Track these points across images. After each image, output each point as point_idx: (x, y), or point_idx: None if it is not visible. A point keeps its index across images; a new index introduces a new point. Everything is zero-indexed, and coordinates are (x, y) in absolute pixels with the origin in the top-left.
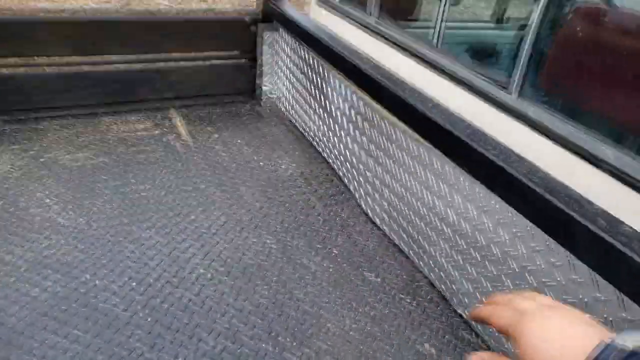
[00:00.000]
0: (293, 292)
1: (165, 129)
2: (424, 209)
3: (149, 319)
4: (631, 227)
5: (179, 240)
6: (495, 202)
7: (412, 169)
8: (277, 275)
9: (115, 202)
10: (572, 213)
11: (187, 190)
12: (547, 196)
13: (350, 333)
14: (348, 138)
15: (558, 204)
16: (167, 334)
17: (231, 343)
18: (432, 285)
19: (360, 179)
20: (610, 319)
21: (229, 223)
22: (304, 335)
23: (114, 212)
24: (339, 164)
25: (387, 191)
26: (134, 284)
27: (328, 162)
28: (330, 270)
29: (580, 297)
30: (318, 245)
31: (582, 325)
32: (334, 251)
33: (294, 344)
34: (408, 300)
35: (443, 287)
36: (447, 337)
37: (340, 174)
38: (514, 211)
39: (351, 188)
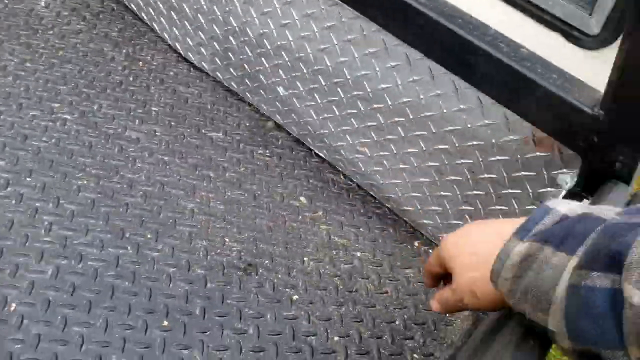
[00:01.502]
0: (120, 172)
1: None
2: (257, 36)
3: None
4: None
5: None
6: (341, 16)
7: None
8: (89, 155)
9: None
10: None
11: None
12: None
13: (212, 205)
14: None
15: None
16: None
17: (63, 260)
18: (281, 128)
19: (172, 13)
20: (468, 125)
21: None
22: (158, 222)
23: None
24: None
25: (214, 26)
26: None
27: None
28: (159, 135)
29: (444, 111)
30: (132, 106)
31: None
32: (155, 110)
33: (150, 236)
34: (261, 152)
35: (294, 128)
36: (312, 181)
37: (134, 7)
38: (369, 27)
39: (157, 27)
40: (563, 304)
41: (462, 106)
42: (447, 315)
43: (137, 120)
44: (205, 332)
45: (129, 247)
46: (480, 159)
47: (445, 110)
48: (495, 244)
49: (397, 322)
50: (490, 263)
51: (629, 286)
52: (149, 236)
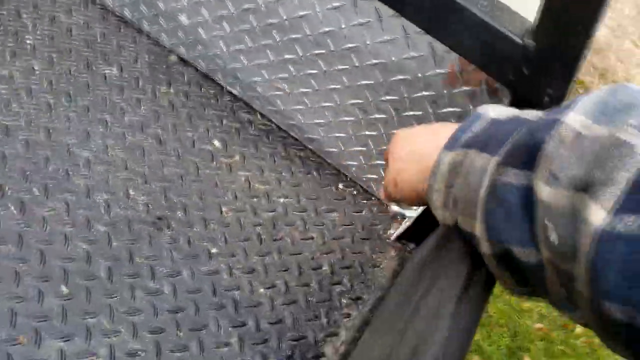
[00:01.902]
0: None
1: None
2: None
3: None
4: None
5: None
6: None
7: None
8: None
9: None
10: None
11: None
12: None
13: (110, 153)
14: None
15: None
16: None
17: None
18: (187, 63)
19: None
20: (393, 58)
21: None
22: (47, 175)
23: None
24: None
25: None
26: None
27: None
28: (39, 71)
29: (368, 42)
30: (10, 44)
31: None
32: (31, 42)
33: (37, 192)
34: (164, 90)
35: (202, 62)
36: (225, 122)
37: None
38: None
39: None
40: (483, 203)
41: (386, 37)
42: (374, 257)
43: (7, 54)
44: (113, 296)
45: (11, 206)
46: (406, 95)
47: (368, 42)
48: (432, 148)
49: (324, 268)
50: (420, 162)
51: (539, 182)
52: (36, 192)
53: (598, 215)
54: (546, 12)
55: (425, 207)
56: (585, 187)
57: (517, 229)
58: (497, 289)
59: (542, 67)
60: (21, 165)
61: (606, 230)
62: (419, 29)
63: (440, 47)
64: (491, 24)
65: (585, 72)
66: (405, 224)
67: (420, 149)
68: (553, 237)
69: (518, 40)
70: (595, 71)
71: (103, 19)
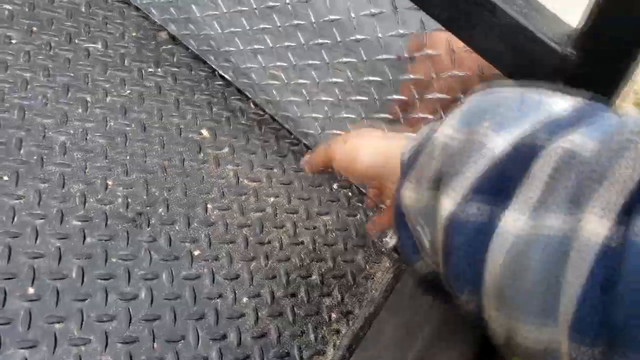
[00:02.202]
0: None
1: None
2: None
3: None
4: None
5: None
6: None
7: None
8: None
9: None
10: None
11: None
12: None
13: (89, 138)
14: None
15: None
16: None
17: None
18: (177, 42)
19: None
20: (407, 55)
21: None
22: (18, 160)
23: None
24: None
25: None
26: None
27: None
28: (16, 42)
29: (379, 35)
30: None
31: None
32: (9, 9)
33: (6, 178)
34: (151, 70)
35: (193, 42)
36: (215, 110)
37: None
38: None
39: None
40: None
41: (401, 31)
42: (367, 268)
43: None
44: (85, 300)
45: None
46: (417, 97)
47: (380, 35)
48: (396, 139)
49: (313, 277)
50: (383, 144)
51: (406, 192)
52: (4, 178)
53: (447, 205)
54: (597, 17)
55: None
56: (440, 185)
57: (406, 244)
58: None
59: (583, 81)
60: None
61: (451, 219)
62: (439, 25)
63: (461, 47)
64: (526, 26)
65: None
66: None
67: (381, 142)
68: (425, 240)
69: (557, 47)
70: None
71: None
